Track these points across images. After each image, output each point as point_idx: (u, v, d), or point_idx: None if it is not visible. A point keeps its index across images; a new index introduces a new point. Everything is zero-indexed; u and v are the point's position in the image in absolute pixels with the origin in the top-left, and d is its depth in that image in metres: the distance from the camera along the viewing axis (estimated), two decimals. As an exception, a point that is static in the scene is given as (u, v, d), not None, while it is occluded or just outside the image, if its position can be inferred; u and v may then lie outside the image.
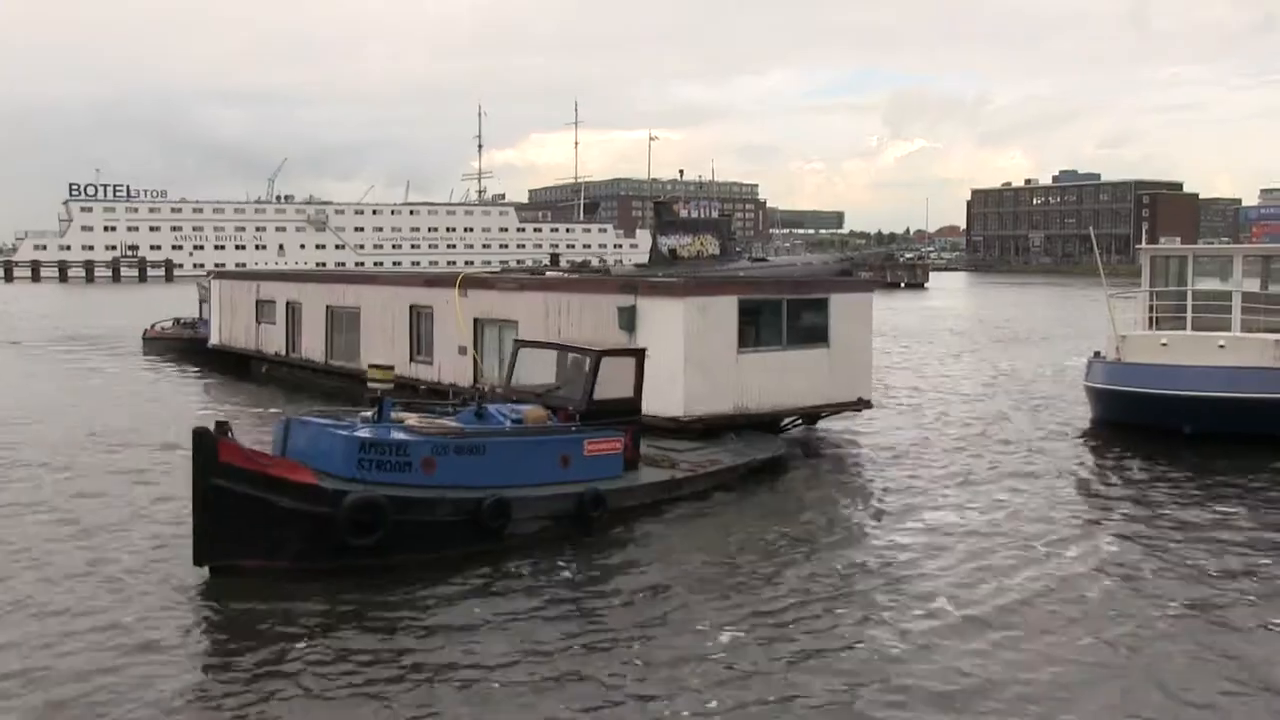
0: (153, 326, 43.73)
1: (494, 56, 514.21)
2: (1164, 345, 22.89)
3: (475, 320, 23.80)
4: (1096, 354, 24.70)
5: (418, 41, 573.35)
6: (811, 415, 22.25)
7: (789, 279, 26.35)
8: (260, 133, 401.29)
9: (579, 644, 10.84)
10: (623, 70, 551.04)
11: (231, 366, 34.92)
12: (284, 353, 32.31)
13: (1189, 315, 23.35)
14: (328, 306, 30.12)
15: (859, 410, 22.38)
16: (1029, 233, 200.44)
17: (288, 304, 32.41)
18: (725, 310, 20.01)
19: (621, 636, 11.08)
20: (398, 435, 13.66)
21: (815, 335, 21.34)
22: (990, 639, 11.04)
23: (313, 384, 28.70)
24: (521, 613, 11.67)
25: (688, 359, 19.41)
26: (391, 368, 16.17)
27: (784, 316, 20.89)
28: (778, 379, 20.50)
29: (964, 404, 27.70)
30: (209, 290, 38.62)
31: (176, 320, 43.58)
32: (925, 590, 12.60)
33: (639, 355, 16.67)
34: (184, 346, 39.59)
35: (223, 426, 12.59)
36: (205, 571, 12.51)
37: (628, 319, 19.90)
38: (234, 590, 12.13)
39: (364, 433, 13.56)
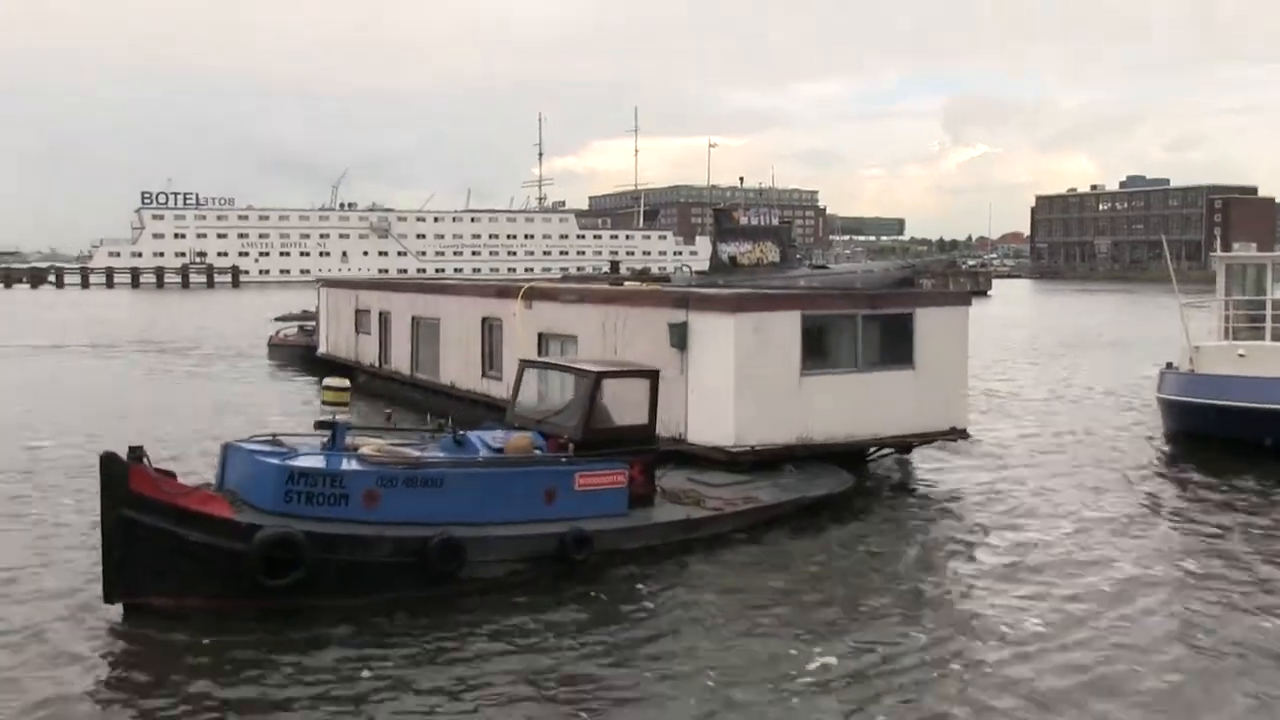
0: (277, 333, 43.92)
1: (553, 66, 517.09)
2: (1241, 356, 22.42)
3: (539, 335, 22.21)
4: (1169, 365, 24.27)
5: (477, 51, 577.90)
6: (903, 446, 19.92)
7: (864, 291, 22.82)
8: (321, 141, 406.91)
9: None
10: (681, 78, 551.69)
11: (343, 375, 34.34)
12: (377, 364, 31.58)
13: (1268, 325, 22.83)
14: (413, 317, 29.25)
15: (953, 440, 20.02)
16: (1095, 239, 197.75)
17: (380, 314, 31.69)
18: (785, 327, 17.93)
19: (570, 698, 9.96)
20: (335, 465, 12.40)
21: (897, 356, 18.99)
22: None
23: (401, 396, 28.12)
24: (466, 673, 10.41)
25: (739, 382, 17.44)
26: (347, 388, 13.29)
27: (859, 334, 18.61)
28: (851, 406, 18.32)
29: (1035, 419, 27.10)
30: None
31: (301, 327, 43.36)
32: (1001, 648, 11.16)
33: (652, 377, 14.98)
34: (304, 354, 39.26)
35: (136, 452, 11.57)
36: (120, 608, 11.65)
37: (679, 336, 18.08)
38: (149, 631, 11.28)
39: (296, 461, 12.31)
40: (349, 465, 12.50)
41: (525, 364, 16.49)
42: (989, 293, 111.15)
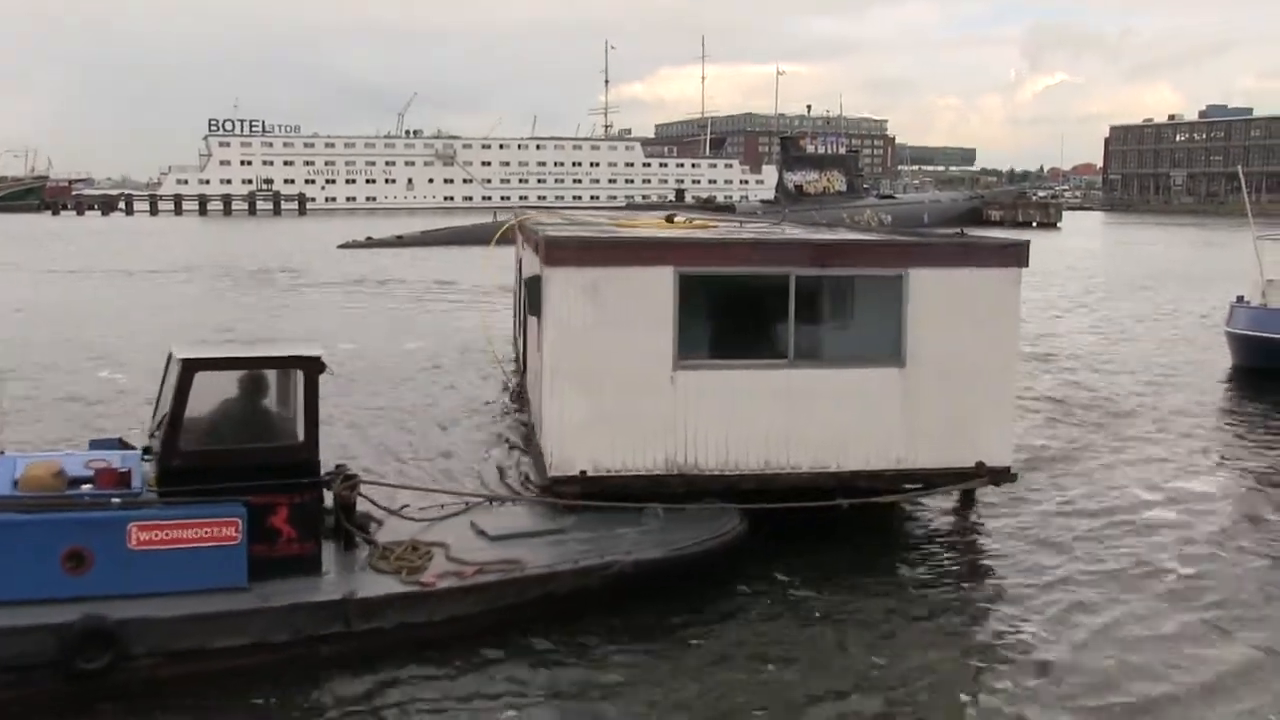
0: None
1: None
2: (1316, 290, 21.81)
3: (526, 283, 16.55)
4: (1239, 299, 23.73)
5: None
6: (878, 489, 12.24)
7: (807, 239, 14.28)
8: (389, 68, 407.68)
9: None
10: (754, 4, 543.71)
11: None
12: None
13: (1345, 258, 22.23)
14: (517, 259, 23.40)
15: (984, 484, 12.52)
16: (1171, 171, 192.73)
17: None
18: (647, 291, 11.72)
19: None
20: None
21: (870, 344, 12.39)
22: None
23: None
24: None
25: (555, 372, 11.79)
26: None
27: (791, 307, 12.00)
28: (774, 421, 11.91)
29: (1098, 360, 26.57)
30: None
31: None
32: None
33: (306, 367, 9.49)
34: None
35: None
36: None
37: (534, 297, 12.39)
38: None
39: None
40: None
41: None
42: (1059, 225, 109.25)
